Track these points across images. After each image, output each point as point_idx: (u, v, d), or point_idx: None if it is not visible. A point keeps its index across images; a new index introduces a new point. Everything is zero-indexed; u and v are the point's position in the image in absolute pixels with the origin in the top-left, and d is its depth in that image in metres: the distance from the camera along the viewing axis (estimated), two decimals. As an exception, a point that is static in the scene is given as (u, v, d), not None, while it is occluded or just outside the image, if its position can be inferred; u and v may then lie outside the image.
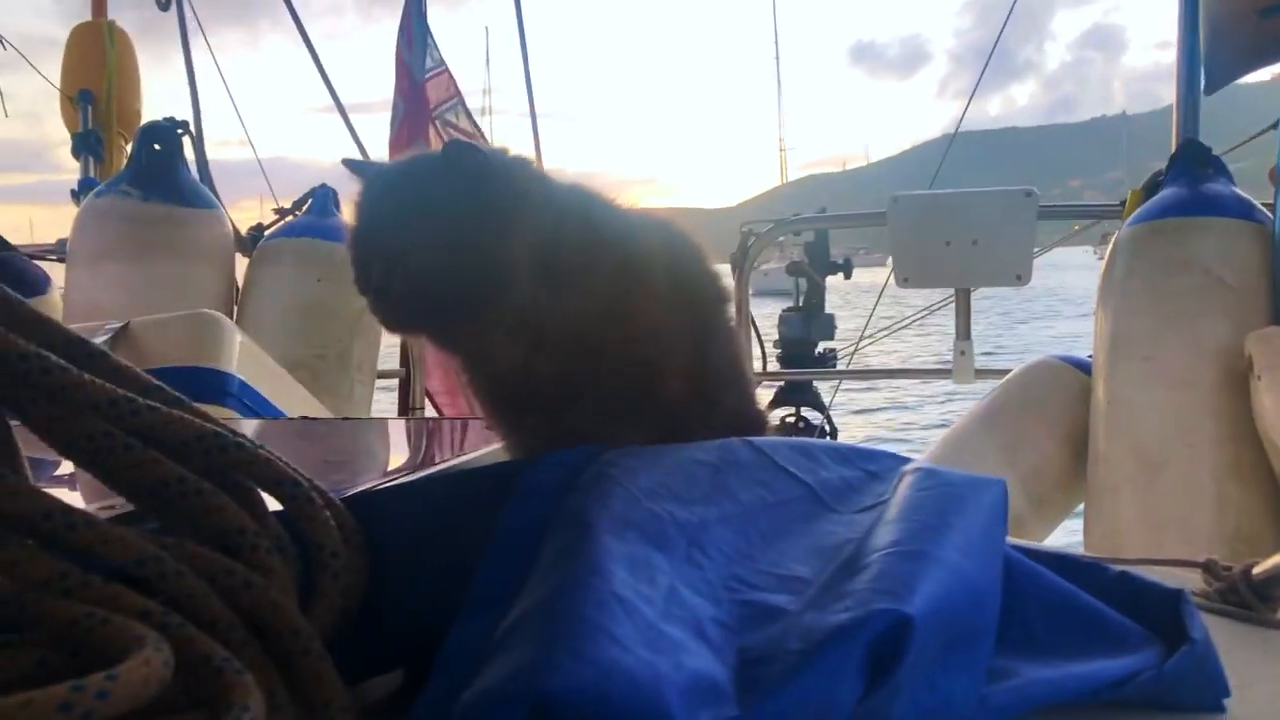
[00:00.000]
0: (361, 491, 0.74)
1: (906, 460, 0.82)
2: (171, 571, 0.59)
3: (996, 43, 4.45)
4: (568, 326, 0.81)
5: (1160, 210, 2.24)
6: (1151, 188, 2.41)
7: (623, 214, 0.89)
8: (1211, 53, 2.53)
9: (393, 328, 0.85)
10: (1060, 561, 0.82)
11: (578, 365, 0.82)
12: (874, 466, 0.80)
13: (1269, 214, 2.17)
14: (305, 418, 2.14)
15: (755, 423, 0.96)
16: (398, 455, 1.40)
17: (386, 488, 0.77)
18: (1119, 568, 0.84)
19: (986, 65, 4.51)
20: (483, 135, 3.77)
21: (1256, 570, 1.12)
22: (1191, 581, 1.22)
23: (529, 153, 0.89)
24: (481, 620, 0.55)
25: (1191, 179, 2.27)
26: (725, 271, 3.09)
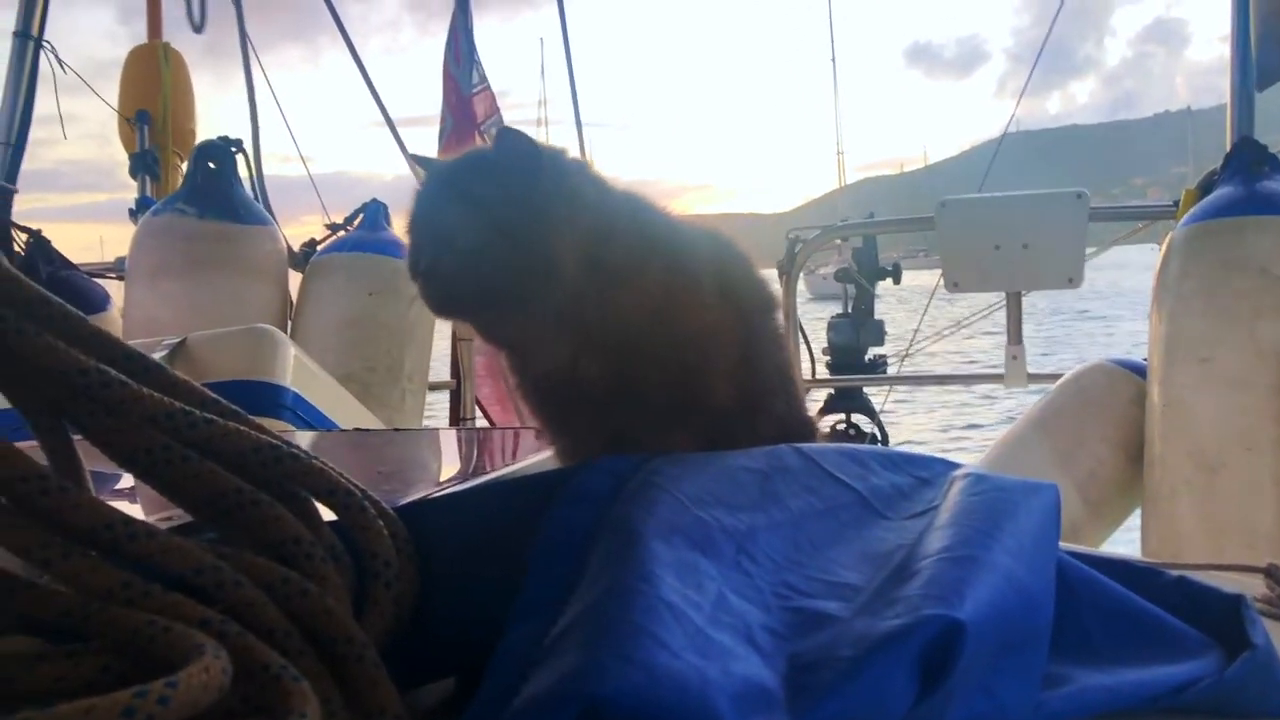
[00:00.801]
0: (413, 501, 0.75)
1: (955, 465, 0.81)
2: (229, 580, 0.60)
3: (1045, 42, 4.41)
4: (615, 325, 0.81)
5: (1215, 210, 2.20)
6: (1206, 187, 2.36)
7: (672, 220, 0.89)
8: (1264, 49, 2.48)
9: (439, 310, 0.86)
10: (1115, 566, 0.81)
11: (625, 366, 0.82)
12: (924, 473, 0.80)
13: (1330, 211, 2.12)
14: (357, 429, 2.17)
15: (803, 429, 0.95)
16: (449, 465, 1.41)
17: (437, 497, 0.78)
18: (1176, 573, 0.83)
19: (1035, 65, 4.47)
20: None
21: (1323, 575, 1.10)
22: (1253, 587, 1.19)
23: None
24: (531, 626, 0.55)
25: (1247, 177, 2.22)
26: (772, 277, 3.08)
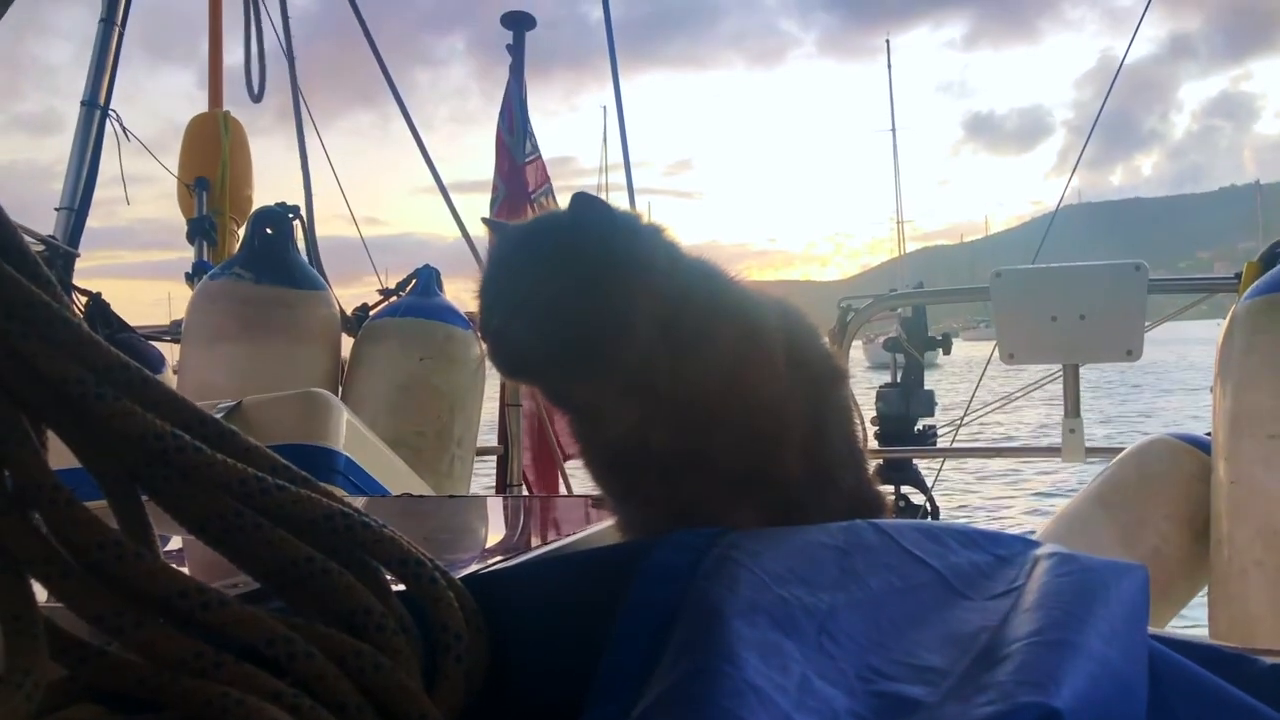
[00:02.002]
0: (481, 571, 0.74)
1: (1035, 544, 0.78)
2: (301, 652, 0.59)
3: (1099, 115, 4.40)
4: (686, 392, 0.80)
5: (1278, 283, 2.16)
6: (1269, 259, 2.33)
7: (742, 288, 0.89)
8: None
9: (509, 372, 0.85)
10: (1204, 651, 0.77)
11: (695, 434, 0.81)
12: (1002, 550, 0.77)
13: (1396, 285, 2.08)
14: (409, 495, 2.17)
15: (873, 503, 0.94)
16: (503, 533, 1.40)
17: (505, 568, 0.76)
18: (1271, 660, 0.79)
19: (1089, 137, 4.46)
20: None
21: None
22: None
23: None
24: (612, 705, 0.54)
25: (1312, 249, 2.19)
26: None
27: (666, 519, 0.80)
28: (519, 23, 3.69)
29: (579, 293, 0.78)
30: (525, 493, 3.52)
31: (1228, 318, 2.23)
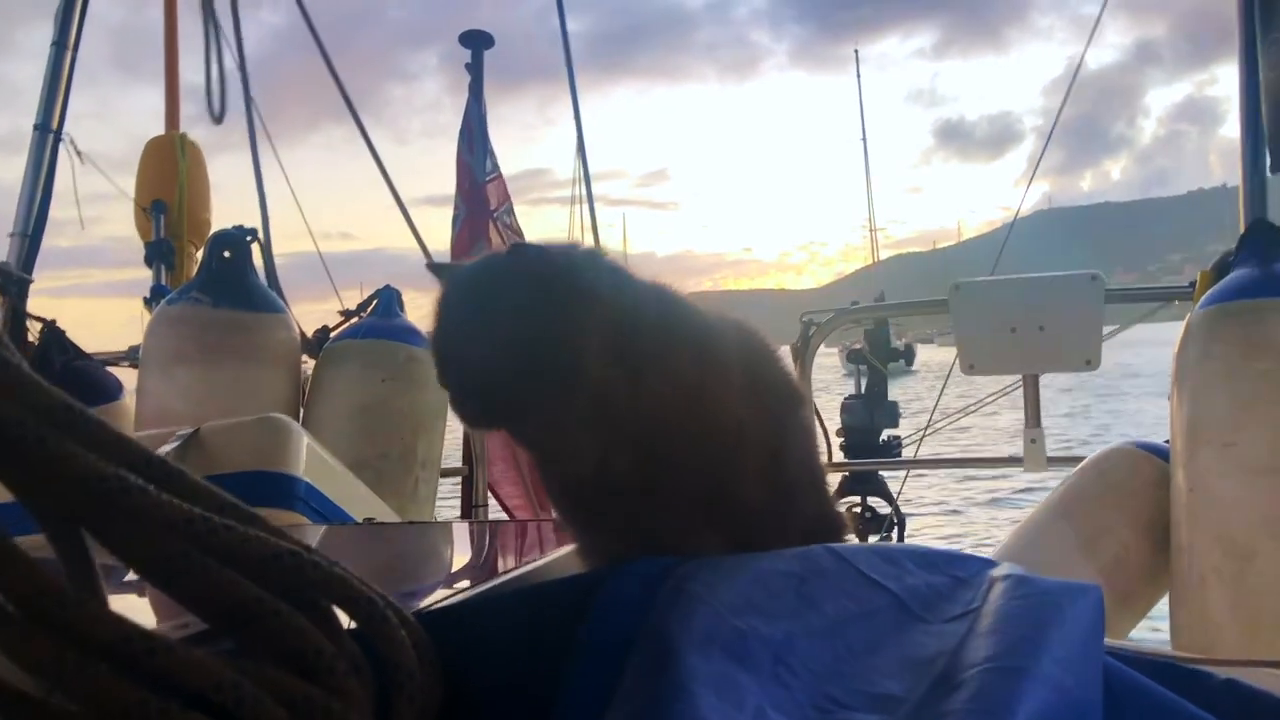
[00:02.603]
0: (435, 608, 0.73)
1: (993, 564, 0.79)
2: (250, 697, 0.58)
3: (1056, 120, 4.46)
4: (645, 414, 0.79)
5: (1233, 292, 2.19)
6: (1221, 268, 2.36)
7: (699, 312, 0.89)
8: (1274, 130, 2.50)
9: (472, 425, 0.87)
10: (1160, 668, 0.78)
11: (654, 458, 0.81)
12: (960, 572, 0.77)
13: (1345, 293, 2.11)
14: (371, 522, 2.15)
15: (832, 524, 0.94)
16: (464, 560, 1.39)
17: (460, 602, 0.76)
18: (1225, 673, 0.80)
19: (1047, 143, 4.52)
20: (522, 236, 3.84)
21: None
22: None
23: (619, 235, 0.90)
24: (565, 746, 0.53)
25: (1262, 259, 2.22)
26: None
27: (626, 547, 0.80)
28: (477, 41, 3.69)
29: (520, 343, 0.78)
30: (495, 510, 3.50)
31: (1183, 326, 2.26)
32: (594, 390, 0.78)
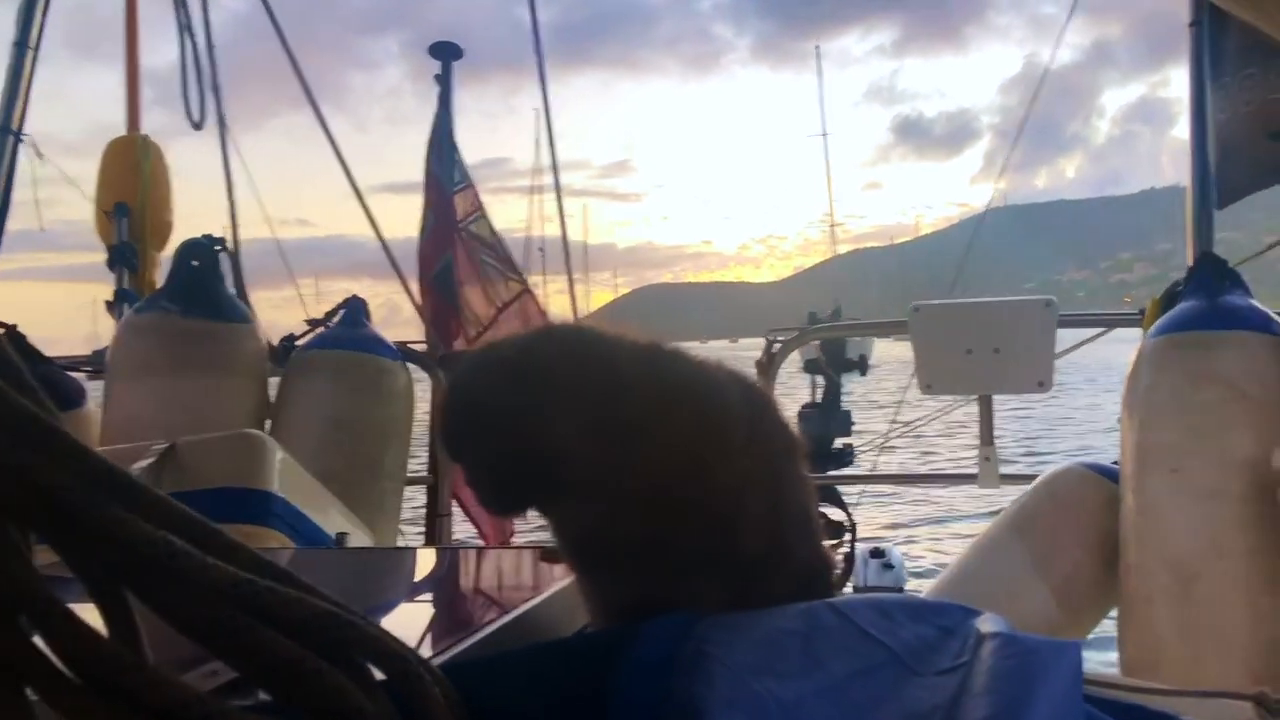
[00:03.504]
0: (457, 660, 0.77)
1: (974, 612, 0.84)
2: (305, 761, 0.61)
3: (1024, 122, 4.59)
4: (643, 479, 0.83)
5: (1181, 323, 2.29)
6: (1170, 298, 2.46)
7: (698, 367, 0.92)
8: (1223, 169, 2.60)
9: (499, 514, 0.99)
10: (1134, 713, 0.84)
11: (656, 519, 0.84)
12: (946, 621, 0.83)
13: (1287, 327, 2.21)
14: (345, 545, 2.17)
15: (823, 570, 0.98)
16: (451, 595, 1.40)
17: (483, 657, 0.79)
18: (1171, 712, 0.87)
19: (1015, 143, 4.64)
20: (503, 244, 3.85)
21: (1313, 705, 1.14)
22: (1243, 712, 1.23)
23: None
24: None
25: (1210, 292, 2.32)
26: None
27: (630, 596, 0.84)
28: (447, 53, 3.70)
29: (508, 442, 0.84)
30: (459, 518, 3.52)
31: (1134, 355, 2.35)
32: (587, 470, 0.83)
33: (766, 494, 0.89)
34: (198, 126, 3.92)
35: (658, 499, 0.84)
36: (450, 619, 1.22)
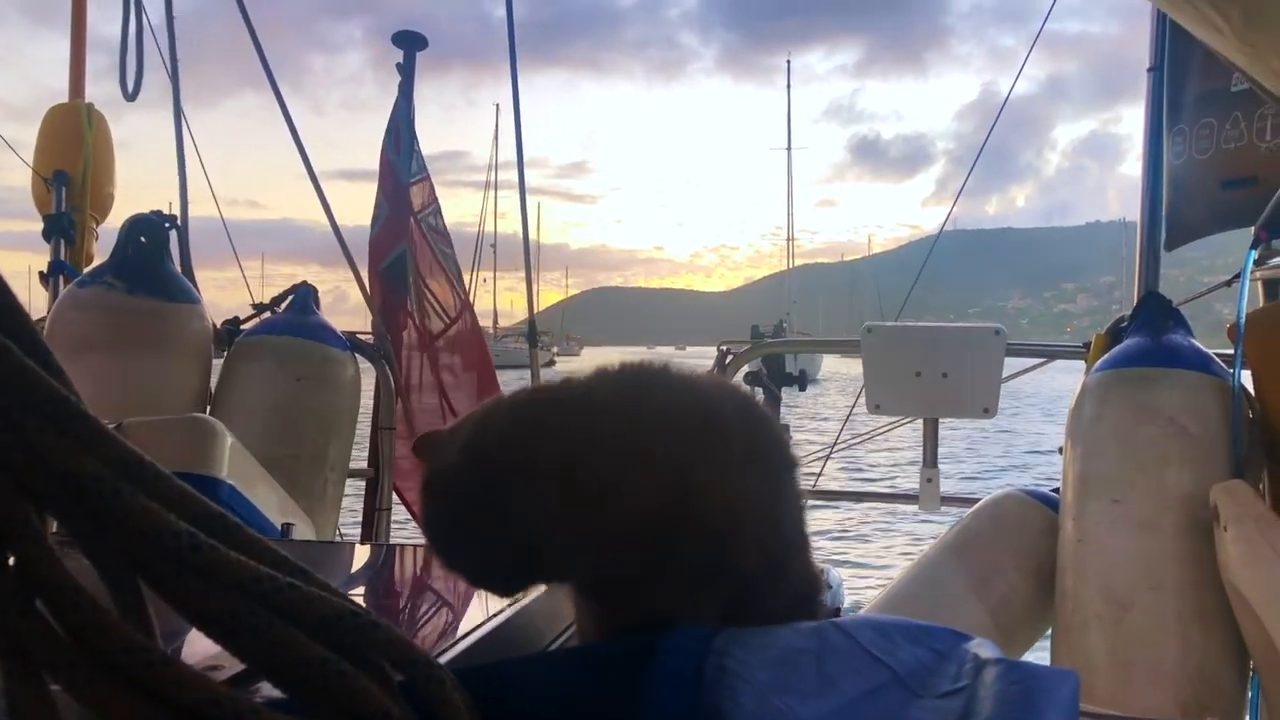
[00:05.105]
0: (467, 666, 0.77)
1: (965, 637, 0.86)
2: (337, 763, 0.61)
3: (978, 156, 4.68)
4: (635, 513, 0.82)
5: (1125, 359, 2.36)
6: (1115, 333, 2.54)
7: (683, 388, 0.91)
8: (1174, 212, 2.70)
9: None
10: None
11: (653, 547, 0.83)
12: (938, 645, 0.84)
13: (1225, 367, 2.29)
14: (289, 535, 2.13)
15: (815, 584, 0.98)
16: (424, 594, 1.38)
17: (495, 666, 0.79)
18: None
19: (970, 174, 4.74)
20: (449, 239, 3.81)
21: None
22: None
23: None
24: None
25: (1154, 330, 2.40)
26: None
27: (628, 619, 0.85)
28: (410, 42, 3.65)
29: (480, 537, 0.85)
30: (400, 513, 3.48)
31: (1078, 388, 2.42)
32: (563, 542, 0.83)
33: (765, 514, 0.88)
34: (131, 97, 3.81)
35: (651, 528, 0.82)
36: (420, 622, 1.21)
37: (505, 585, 0.90)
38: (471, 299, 3.92)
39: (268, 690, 0.70)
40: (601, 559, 0.84)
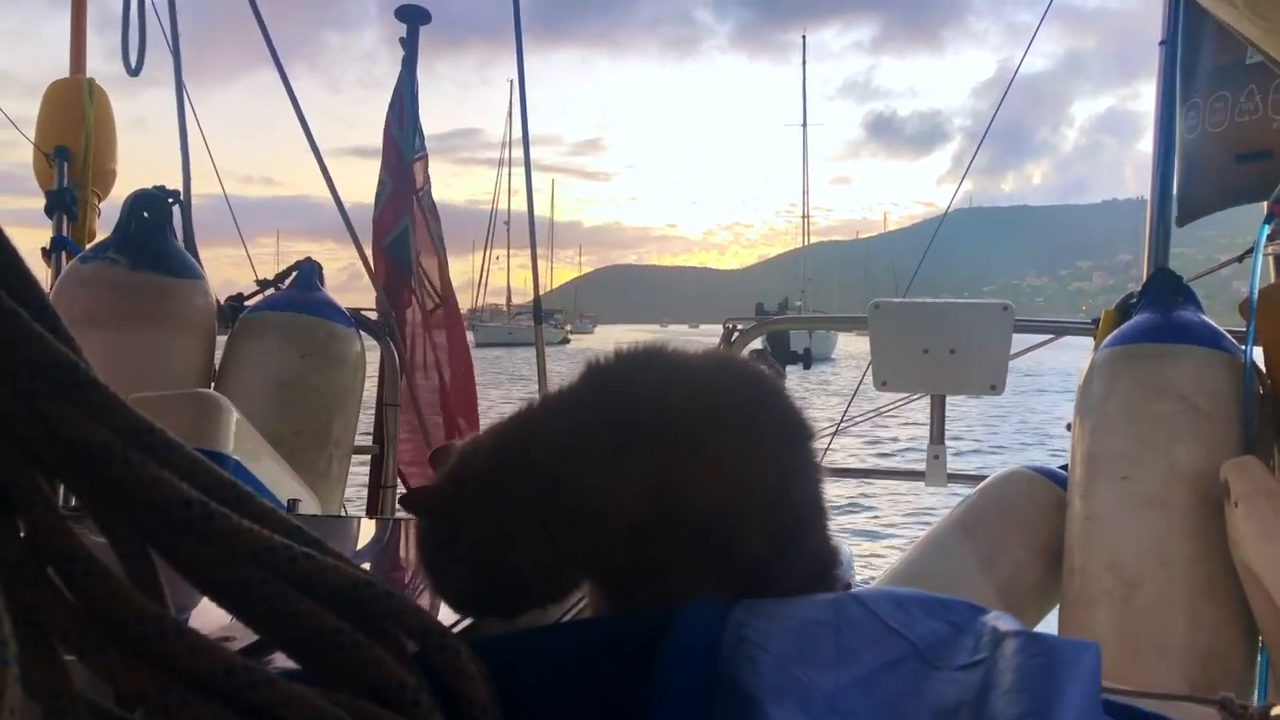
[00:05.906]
0: (484, 637, 0.76)
1: (980, 610, 0.85)
2: (353, 733, 0.60)
3: (986, 132, 4.65)
4: (620, 516, 0.83)
5: (1135, 335, 2.34)
6: (1124, 310, 2.51)
7: (690, 370, 0.90)
8: (1186, 187, 2.67)
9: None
10: (1122, 712, 0.86)
11: (655, 538, 0.83)
12: (955, 617, 0.83)
13: (1236, 343, 2.28)
14: (295, 503, 2.13)
15: (831, 559, 0.97)
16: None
17: (510, 637, 0.78)
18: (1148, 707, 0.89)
19: (978, 149, 4.71)
20: (439, 219, 3.79)
21: (1275, 711, 1.17)
22: (1207, 716, 1.27)
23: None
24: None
25: (1164, 306, 2.37)
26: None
27: (634, 593, 0.84)
28: (414, 16, 3.63)
29: (470, 576, 0.85)
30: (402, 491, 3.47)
31: (1087, 364, 2.40)
32: (552, 567, 0.83)
33: (769, 492, 0.87)
34: (133, 73, 3.79)
35: (641, 535, 0.83)
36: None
37: (507, 613, 0.89)
38: (485, 276, 3.93)
39: (281, 661, 0.70)
40: (598, 572, 0.87)
